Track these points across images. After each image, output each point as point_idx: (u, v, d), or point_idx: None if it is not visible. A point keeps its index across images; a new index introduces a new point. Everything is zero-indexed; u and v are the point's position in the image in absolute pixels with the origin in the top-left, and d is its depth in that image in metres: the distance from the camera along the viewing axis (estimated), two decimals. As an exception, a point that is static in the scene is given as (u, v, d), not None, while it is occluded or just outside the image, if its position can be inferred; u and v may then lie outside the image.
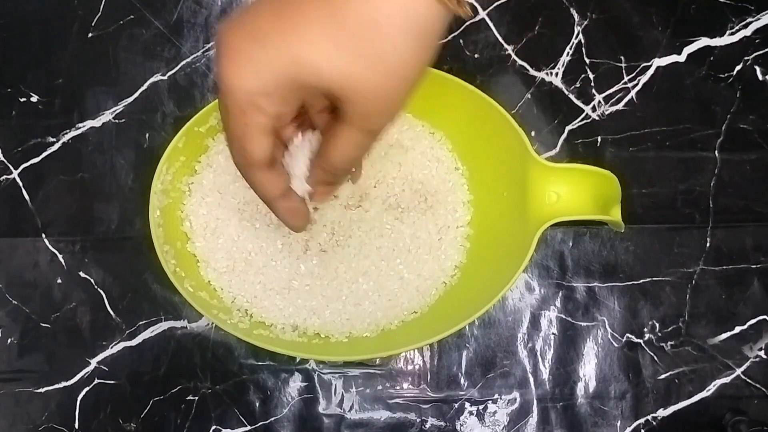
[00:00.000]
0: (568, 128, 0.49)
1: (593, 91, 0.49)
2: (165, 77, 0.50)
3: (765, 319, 0.48)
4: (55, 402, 0.48)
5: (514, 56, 0.50)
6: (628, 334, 0.48)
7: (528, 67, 0.49)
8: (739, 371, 0.48)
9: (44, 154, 0.50)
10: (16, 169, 0.50)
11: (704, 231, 0.49)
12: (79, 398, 0.48)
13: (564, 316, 0.48)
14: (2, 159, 0.50)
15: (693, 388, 0.48)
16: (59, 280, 0.49)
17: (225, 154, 0.46)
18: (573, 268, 0.49)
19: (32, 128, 0.50)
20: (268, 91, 0.29)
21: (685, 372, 0.48)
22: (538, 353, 0.48)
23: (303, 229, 0.37)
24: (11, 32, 0.51)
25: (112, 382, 0.48)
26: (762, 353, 0.48)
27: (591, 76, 0.49)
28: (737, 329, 0.48)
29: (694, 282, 0.48)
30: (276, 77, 0.29)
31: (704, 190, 0.49)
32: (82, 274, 0.49)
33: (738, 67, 0.49)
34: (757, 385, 0.48)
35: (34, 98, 0.50)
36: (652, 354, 0.48)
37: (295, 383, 0.48)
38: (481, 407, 0.48)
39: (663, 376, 0.48)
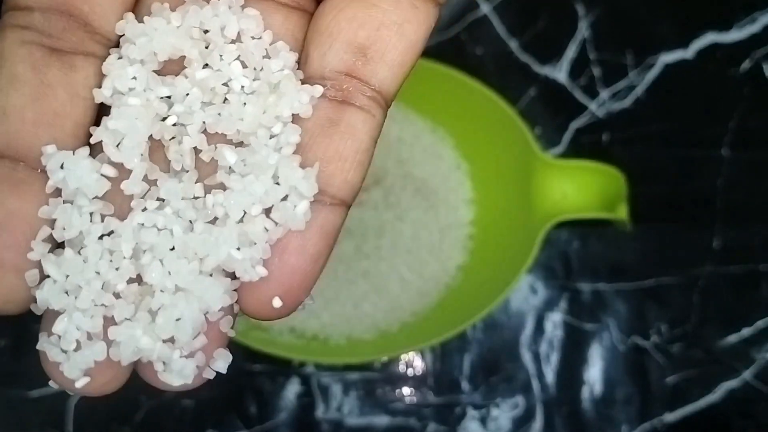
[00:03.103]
0: (572, 125, 0.49)
1: (599, 87, 0.49)
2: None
3: (774, 321, 0.48)
4: (48, 406, 0.47)
5: (517, 52, 0.49)
6: (634, 337, 0.48)
7: (532, 63, 0.49)
8: (747, 374, 0.47)
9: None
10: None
11: (712, 231, 0.48)
12: (73, 402, 0.47)
13: (569, 319, 0.48)
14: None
15: (701, 392, 0.47)
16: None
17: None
18: (578, 269, 0.48)
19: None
20: None
21: (693, 375, 0.47)
22: (542, 356, 0.48)
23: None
24: None
25: (105, 385, 0.48)
26: (771, 356, 0.47)
27: (596, 72, 0.49)
28: (745, 331, 0.48)
29: (701, 283, 0.48)
30: None
31: (712, 189, 0.49)
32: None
33: (746, 64, 0.49)
34: (767, 389, 0.47)
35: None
36: (658, 357, 0.47)
37: (293, 387, 0.48)
38: (483, 412, 0.48)
39: (670, 380, 0.47)
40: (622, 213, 0.44)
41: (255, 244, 0.18)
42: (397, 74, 0.19)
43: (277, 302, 0.18)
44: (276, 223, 0.18)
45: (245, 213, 0.18)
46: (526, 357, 0.48)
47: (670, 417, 0.47)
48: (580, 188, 0.42)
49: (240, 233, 0.18)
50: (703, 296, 0.48)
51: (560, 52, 0.49)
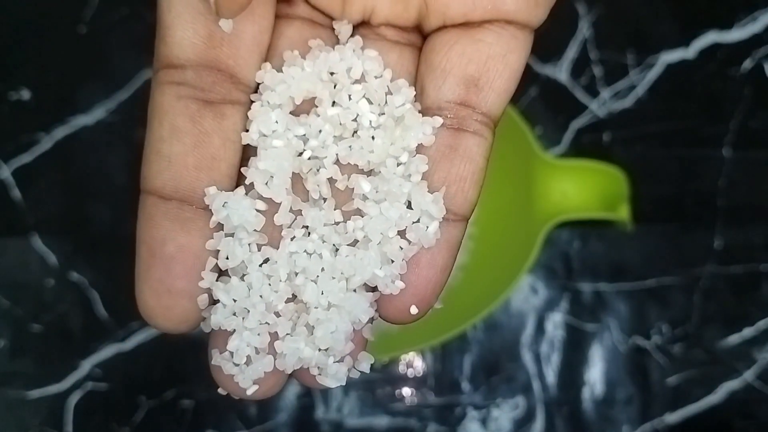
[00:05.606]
0: (573, 125, 0.48)
1: (599, 87, 0.49)
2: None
3: (776, 322, 0.47)
4: (47, 406, 0.47)
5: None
6: (635, 337, 0.47)
7: (532, 62, 0.49)
8: (748, 375, 0.47)
9: (36, 151, 0.49)
10: (6, 166, 0.49)
11: (713, 231, 0.48)
12: (72, 403, 0.47)
13: (569, 319, 0.48)
14: (-7, 157, 0.49)
15: (701, 392, 0.47)
16: (51, 281, 0.48)
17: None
18: (579, 269, 0.48)
19: (23, 125, 0.49)
20: None
21: (694, 375, 0.47)
22: (543, 357, 0.48)
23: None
24: (2, 26, 0.50)
25: (105, 386, 0.47)
26: (773, 356, 0.47)
27: (597, 71, 0.49)
28: (747, 331, 0.47)
29: (702, 283, 0.48)
30: None
31: (713, 188, 0.48)
32: (75, 274, 0.48)
33: (747, 64, 0.49)
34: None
35: (26, 94, 0.50)
36: (659, 357, 0.47)
37: (293, 387, 0.47)
38: (484, 412, 0.47)
39: (671, 380, 0.47)
40: (623, 213, 0.44)
41: (393, 261, 0.20)
42: (503, 99, 0.21)
43: (413, 309, 0.21)
44: (409, 242, 0.21)
45: (382, 235, 0.20)
46: (527, 357, 0.48)
47: (671, 418, 0.47)
48: (581, 188, 0.42)
49: (380, 253, 0.20)
50: (704, 296, 0.48)
51: (561, 52, 0.49)
